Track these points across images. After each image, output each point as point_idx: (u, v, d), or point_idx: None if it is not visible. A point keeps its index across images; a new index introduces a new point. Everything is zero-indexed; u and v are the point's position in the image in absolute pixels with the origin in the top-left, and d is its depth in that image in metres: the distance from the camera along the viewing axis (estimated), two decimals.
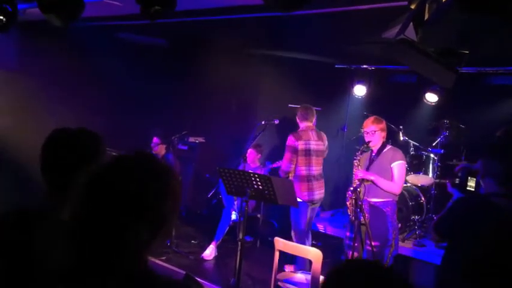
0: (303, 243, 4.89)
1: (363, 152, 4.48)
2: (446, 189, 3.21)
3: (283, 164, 5.04)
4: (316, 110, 5.26)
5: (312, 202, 5.05)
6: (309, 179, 5.00)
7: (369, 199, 4.32)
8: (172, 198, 1.25)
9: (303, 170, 4.99)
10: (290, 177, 5.01)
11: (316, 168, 5.08)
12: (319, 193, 5.10)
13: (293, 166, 4.99)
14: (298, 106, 5.29)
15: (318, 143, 5.09)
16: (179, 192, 1.29)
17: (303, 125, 5.12)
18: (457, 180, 4.39)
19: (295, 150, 4.95)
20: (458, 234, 2.72)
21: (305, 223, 5.05)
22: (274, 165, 6.29)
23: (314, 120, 5.20)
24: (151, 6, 3.32)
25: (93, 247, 1.16)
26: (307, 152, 4.99)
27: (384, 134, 4.45)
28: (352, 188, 4.23)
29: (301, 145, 4.95)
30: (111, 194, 1.17)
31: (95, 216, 1.17)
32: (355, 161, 4.39)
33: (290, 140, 4.98)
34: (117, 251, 1.17)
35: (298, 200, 4.84)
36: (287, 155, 4.99)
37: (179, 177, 1.34)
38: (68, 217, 1.21)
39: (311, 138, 5.03)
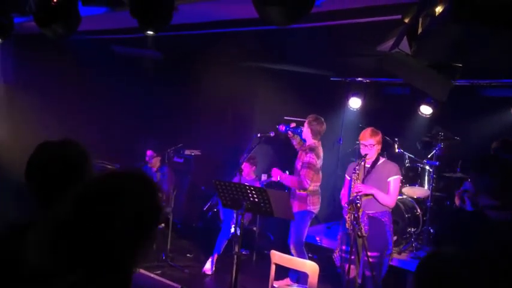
0: (304, 256, 4.87)
1: (359, 164, 4.47)
2: (443, 201, 3.19)
3: (305, 182, 4.84)
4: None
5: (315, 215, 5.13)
6: (319, 192, 5.12)
7: (366, 211, 4.32)
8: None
9: (317, 186, 5.08)
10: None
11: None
12: None
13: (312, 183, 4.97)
14: (298, 119, 5.23)
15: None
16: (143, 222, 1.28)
17: (315, 140, 5.04)
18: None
19: (316, 169, 4.95)
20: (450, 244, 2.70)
21: (305, 235, 5.07)
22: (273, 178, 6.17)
23: None
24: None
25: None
26: (319, 170, 5.05)
27: (380, 146, 4.48)
28: (349, 201, 4.24)
29: (318, 164, 5.00)
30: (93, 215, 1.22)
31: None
32: (354, 174, 4.36)
33: (312, 159, 4.89)
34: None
35: (312, 211, 4.97)
36: (309, 173, 4.86)
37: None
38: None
39: (321, 155, 5.05)
